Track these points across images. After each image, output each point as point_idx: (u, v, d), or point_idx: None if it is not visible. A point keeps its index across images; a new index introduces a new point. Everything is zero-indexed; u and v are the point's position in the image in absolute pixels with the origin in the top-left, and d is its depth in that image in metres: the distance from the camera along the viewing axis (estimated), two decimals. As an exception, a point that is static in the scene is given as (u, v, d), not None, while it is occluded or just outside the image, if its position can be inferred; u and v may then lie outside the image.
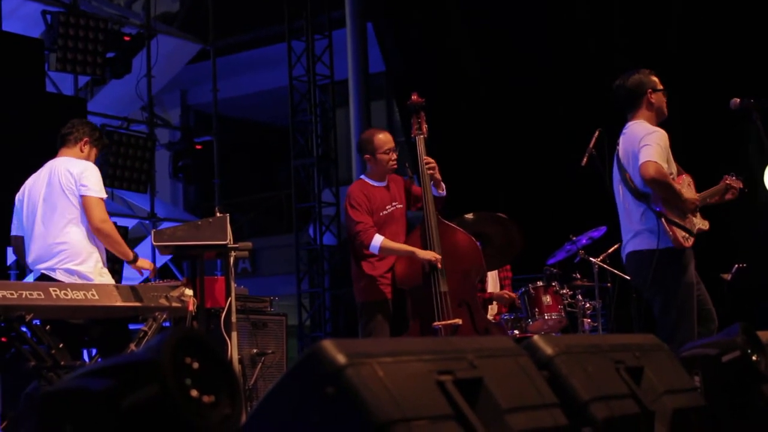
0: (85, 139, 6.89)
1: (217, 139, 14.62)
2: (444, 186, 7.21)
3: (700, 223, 6.50)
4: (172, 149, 14.57)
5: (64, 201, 6.59)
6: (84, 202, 6.58)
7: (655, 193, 6.27)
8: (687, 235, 6.29)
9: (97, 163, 6.90)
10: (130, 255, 6.71)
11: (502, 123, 12.42)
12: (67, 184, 6.59)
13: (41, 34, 11.86)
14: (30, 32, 11.74)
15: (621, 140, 6.54)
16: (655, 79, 6.57)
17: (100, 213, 6.57)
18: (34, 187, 6.79)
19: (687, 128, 10.89)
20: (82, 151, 6.84)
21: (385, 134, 7.18)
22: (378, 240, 6.88)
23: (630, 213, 6.45)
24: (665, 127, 6.45)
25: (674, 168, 6.45)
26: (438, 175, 7.15)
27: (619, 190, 6.54)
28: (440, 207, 7.23)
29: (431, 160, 7.17)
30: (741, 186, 6.78)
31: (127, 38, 12.46)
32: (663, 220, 6.22)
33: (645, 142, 6.25)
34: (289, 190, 16.16)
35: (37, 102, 11.14)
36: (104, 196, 6.68)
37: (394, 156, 7.13)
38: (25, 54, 11.21)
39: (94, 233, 6.60)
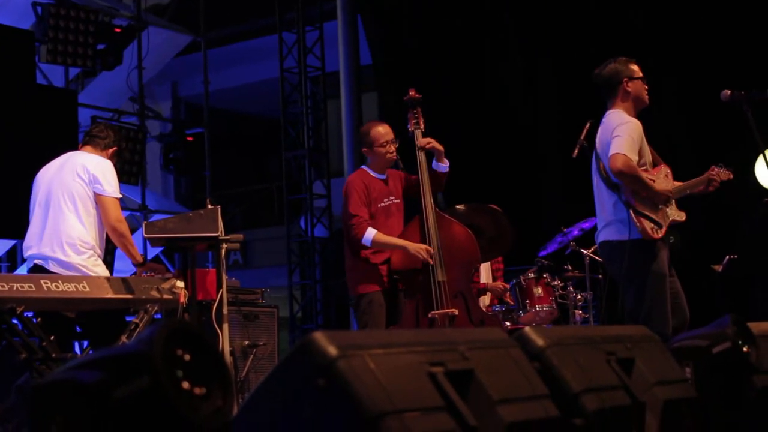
0: (115, 148, 6.94)
1: (208, 131, 14.58)
2: (446, 161, 7.22)
3: (675, 215, 6.54)
4: (163, 141, 14.54)
5: (70, 192, 6.58)
6: (100, 201, 6.58)
7: (623, 184, 6.30)
8: (655, 227, 6.32)
9: None
10: (139, 258, 6.71)
11: (493, 115, 12.42)
12: (81, 176, 6.59)
13: (31, 25, 11.82)
14: (20, 24, 11.69)
15: (599, 130, 6.57)
16: (634, 67, 6.59)
17: (116, 213, 6.59)
18: (45, 175, 6.81)
19: (683, 119, 10.91)
20: (107, 157, 6.86)
21: (383, 126, 7.19)
22: (371, 234, 6.88)
23: (603, 203, 6.50)
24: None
25: (649, 158, 6.50)
26: (439, 146, 7.15)
27: (595, 179, 6.58)
28: (441, 184, 7.23)
29: (427, 138, 7.19)
30: (731, 177, 6.77)
31: (117, 30, 12.42)
32: (631, 211, 6.26)
33: (616, 133, 6.28)
34: (280, 181, 16.14)
35: (28, 94, 11.12)
36: (120, 196, 6.70)
37: (392, 148, 7.13)
38: (16, 46, 11.18)
39: (109, 232, 6.60)
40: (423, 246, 6.92)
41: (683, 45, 11.02)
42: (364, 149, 7.20)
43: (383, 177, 7.19)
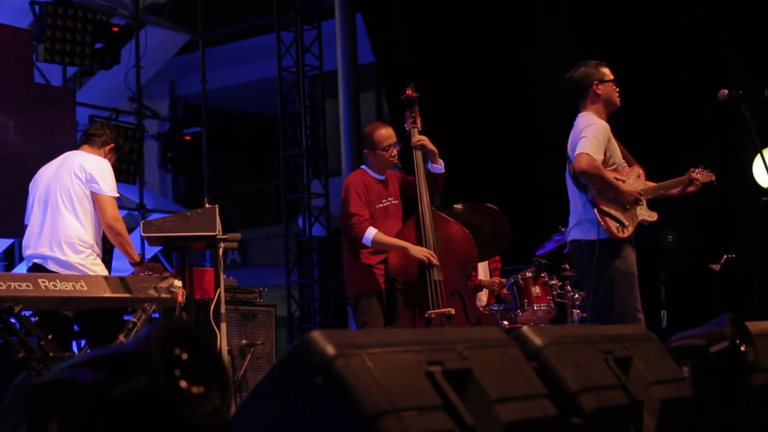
0: (112, 145, 6.95)
1: (206, 130, 14.58)
2: (441, 162, 7.20)
3: (645, 215, 6.54)
4: (161, 140, 14.54)
5: (68, 191, 6.59)
6: (97, 200, 6.59)
7: (589, 183, 6.37)
8: (620, 226, 6.36)
9: None
10: (137, 257, 6.71)
11: (492, 114, 12.41)
12: (78, 176, 6.60)
13: (29, 24, 11.82)
14: (18, 23, 11.69)
15: (570, 132, 6.61)
16: (605, 70, 6.64)
17: (112, 211, 6.60)
18: (44, 175, 6.82)
19: (675, 120, 10.92)
20: (105, 155, 6.87)
21: (386, 129, 7.15)
22: (371, 233, 6.87)
23: (574, 203, 6.57)
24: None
25: (620, 159, 6.56)
26: (431, 146, 7.14)
27: (567, 178, 6.63)
28: (440, 187, 7.22)
29: (421, 136, 7.18)
30: (712, 179, 6.80)
31: (115, 29, 12.42)
32: (596, 210, 6.32)
33: (582, 135, 6.36)
34: (278, 181, 16.15)
35: (26, 93, 11.13)
36: (117, 195, 6.70)
37: (395, 152, 7.11)
38: (14, 45, 11.18)
39: (106, 231, 6.62)
40: (424, 249, 6.91)
41: (682, 45, 11.03)
42: (366, 150, 7.18)
43: (382, 178, 7.18)
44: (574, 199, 6.55)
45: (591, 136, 6.33)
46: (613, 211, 6.36)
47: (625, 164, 6.60)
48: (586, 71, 6.62)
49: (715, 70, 10.38)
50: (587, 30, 11.65)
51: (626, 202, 6.42)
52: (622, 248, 6.37)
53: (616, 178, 6.42)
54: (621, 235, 6.34)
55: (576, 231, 6.52)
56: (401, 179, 7.31)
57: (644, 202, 6.56)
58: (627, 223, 6.39)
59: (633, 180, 6.54)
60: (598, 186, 6.36)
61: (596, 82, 6.56)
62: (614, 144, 6.50)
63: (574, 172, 6.47)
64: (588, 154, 6.26)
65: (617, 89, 6.63)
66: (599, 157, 6.31)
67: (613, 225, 6.33)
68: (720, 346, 4.31)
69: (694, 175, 6.73)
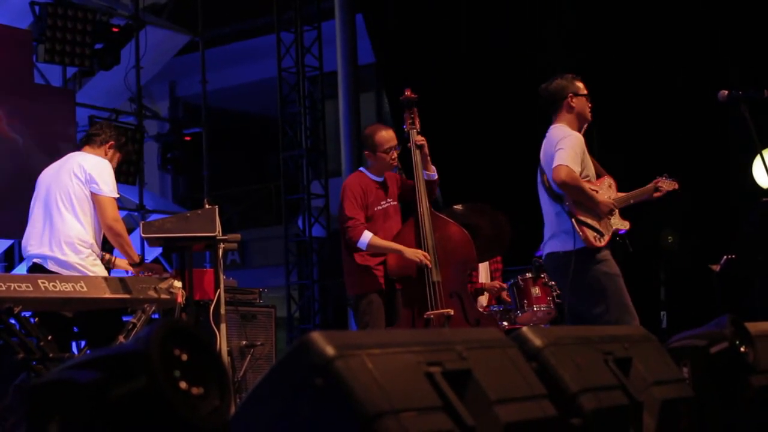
0: (111, 142, 6.96)
1: (206, 131, 14.59)
2: (434, 168, 7.20)
3: (618, 224, 6.63)
4: (161, 141, 14.55)
5: (67, 192, 6.60)
6: (96, 200, 6.60)
7: (566, 195, 6.42)
8: (598, 235, 6.43)
9: None
10: (136, 258, 6.71)
11: (492, 114, 12.41)
12: (78, 176, 6.61)
13: (29, 25, 11.83)
14: (18, 23, 11.70)
15: (543, 143, 6.68)
16: (579, 84, 6.72)
17: (112, 212, 6.60)
18: (46, 176, 6.85)
19: (675, 121, 10.91)
20: (105, 154, 6.88)
21: (387, 132, 7.14)
22: (367, 237, 6.87)
23: (548, 214, 6.64)
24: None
25: (592, 170, 6.63)
26: (426, 150, 7.14)
27: (540, 193, 6.71)
28: (434, 192, 7.22)
29: (422, 137, 7.18)
30: (676, 187, 6.91)
31: (115, 29, 12.43)
32: (573, 220, 6.39)
33: (559, 146, 6.42)
34: (278, 181, 16.15)
35: (26, 93, 11.13)
36: (117, 195, 6.70)
37: (395, 155, 7.11)
38: (14, 45, 11.18)
39: (106, 232, 6.62)
40: (419, 251, 6.91)
41: (681, 45, 11.03)
42: (366, 152, 7.17)
43: (381, 180, 7.17)
44: (548, 210, 6.62)
45: (568, 147, 6.39)
46: (589, 221, 6.43)
47: (595, 175, 6.68)
48: (561, 83, 6.69)
49: (714, 70, 10.38)
50: (588, 30, 11.64)
51: (601, 212, 6.49)
52: (601, 255, 6.44)
53: (590, 189, 6.50)
54: (598, 244, 6.42)
55: (552, 243, 6.57)
56: (400, 181, 7.31)
57: (617, 211, 6.66)
58: (603, 233, 6.47)
59: (605, 190, 6.64)
60: (576, 197, 6.42)
61: (571, 94, 6.63)
62: (587, 156, 6.58)
63: (548, 183, 6.54)
64: (567, 165, 6.32)
65: (590, 104, 6.71)
66: (576, 169, 6.38)
67: (590, 234, 6.40)
68: (720, 347, 4.31)
69: (659, 184, 6.86)
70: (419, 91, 7.41)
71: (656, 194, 6.85)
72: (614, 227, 6.57)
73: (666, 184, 6.86)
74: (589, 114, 6.71)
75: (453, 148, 11.93)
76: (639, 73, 10.83)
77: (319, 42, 15.62)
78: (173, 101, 20.76)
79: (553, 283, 8.65)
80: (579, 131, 6.61)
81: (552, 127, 6.65)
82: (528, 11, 12.23)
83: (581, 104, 6.65)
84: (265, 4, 15.94)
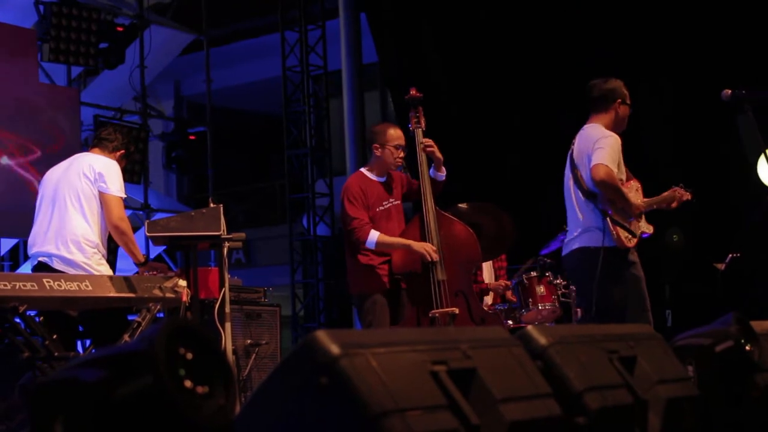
0: (122, 151, 6.98)
1: (211, 130, 14.58)
2: (444, 170, 7.20)
3: (644, 227, 6.75)
4: (166, 140, 14.54)
5: (76, 191, 6.62)
6: (104, 199, 6.62)
7: (602, 194, 6.51)
8: (629, 236, 6.55)
9: None
10: (141, 258, 6.71)
11: (496, 113, 12.41)
12: (87, 175, 6.62)
13: (34, 24, 11.83)
14: (23, 23, 11.70)
15: (577, 139, 6.77)
16: (626, 93, 6.81)
17: (118, 211, 6.62)
18: (52, 175, 6.86)
19: (679, 120, 10.90)
20: (114, 159, 6.89)
21: (397, 130, 7.16)
22: (374, 236, 6.87)
23: (579, 210, 6.69)
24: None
25: (624, 173, 6.70)
26: (439, 154, 7.14)
27: (570, 187, 6.76)
28: (438, 192, 7.21)
29: (430, 140, 7.17)
30: (689, 198, 7.02)
31: (120, 29, 12.43)
32: (608, 219, 6.47)
33: (599, 145, 6.50)
34: (282, 180, 16.15)
35: (31, 92, 11.14)
36: (124, 195, 6.72)
37: (401, 153, 7.10)
38: (18, 44, 11.19)
39: (111, 230, 6.63)
40: (426, 244, 6.91)
41: (683, 44, 11.02)
42: (375, 145, 7.14)
43: (383, 180, 7.15)
44: (579, 206, 6.68)
45: (607, 146, 6.48)
46: (622, 221, 6.53)
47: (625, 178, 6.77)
48: (616, 86, 6.79)
49: (718, 68, 10.37)
50: (589, 30, 11.64)
51: (633, 213, 6.59)
52: (629, 255, 6.54)
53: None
54: (628, 244, 6.53)
55: (583, 238, 6.63)
56: (406, 181, 7.30)
57: (643, 215, 6.77)
58: (635, 233, 6.59)
59: (633, 193, 6.73)
60: (612, 197, 6.50)
61: (620, 100, 6.75)
62: (621, 158, 6.67)
63: (581, 179, 6.60)
64: (606, 164, 6.41)
65: (628, 114, 6.83)
66: (614, 169, 6.48)
67: (623, 234, 6.50)
68: (725, 346, 4.30)
69: (678, 192, 6.99)
70: (423, 90, 7.41)
71: (673, 204, 6.99)
72: (641, 230, 6.69)
73: (683, 195, 7.01)
74: (626, 125, 6.83)
75: (458, 147, 11.93)
76: (642, 72, 10.82)
77: (323, 41, 15.61)
78: (178, 100, 20.77)
79: (558, 281, 8.67)
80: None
81: (588, 125, 6.74)
82: (533, 9, 12.22)
83: (624, 113, 6.77)
84: (269, 3, 15.94)
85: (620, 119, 6.75)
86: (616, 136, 6.61)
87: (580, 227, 6.65)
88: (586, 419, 3.24)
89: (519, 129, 12.33)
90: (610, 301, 6.49)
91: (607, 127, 6.67)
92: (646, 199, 6.84)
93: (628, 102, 6.79)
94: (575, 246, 6.68)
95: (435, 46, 13.02)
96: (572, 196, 6.73)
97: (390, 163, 7.11)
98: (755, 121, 6.36)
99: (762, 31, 10.65)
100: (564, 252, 6.84)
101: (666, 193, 6.98)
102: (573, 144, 6.78)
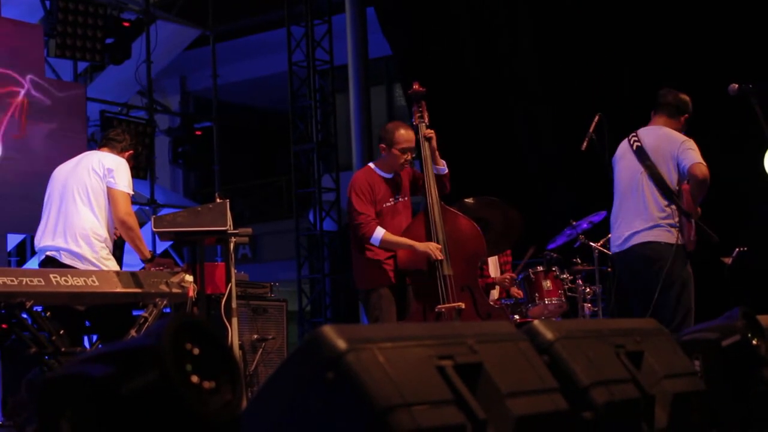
0: (131, 152, 7.00)
1: (217, 125, 14.61)
2: (444, 162, 7.16)
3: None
4: (172, 135, 14.57)
5: (84, 186, 6.63)
6: (111, 194, 6.63)
7: (694, 192, 6.67)
8: (696, 238, 6.77)
9: None
10: (148, 254, 6.70)
11: (503, 107, 12.40)
12: (96, 171, 6.64)
13: (40, 20, 11.85)
14: (29, 18, 11.73)
15: (650, 135, 6.93)
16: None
17: (125, 206, 6.63)
18: (60, 172, 6.87)
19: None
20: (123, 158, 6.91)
21: (408, 132, 7.06)
22: (379, 233, 6.86)
23: (652, 205, 6.78)
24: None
25: None
26: (434, 144, 7.11)
27: (640, 180, 6.83)
28: (446, 187, 7.18)
29: (431, 131, 7.15)
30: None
31: (126, 24, 12.44)
32: (693, 220, 6.69)
33: (689, 146, 6.71)
34: (289, 175, 16.16)
35: (37, 88, 11.16)
36: (132, 192, 6.73)
37: (409, 156, 7.04)
38: (25, 40, 11.21)
39: (118, 226, 6.64)
40: (431, 244, 6.89)
41: (686, 41, 11.00)
42: (382, 145, 7.12)
43: (390, 176, 7.13)
44: (654, 201, 6.78)
45: (696, 149, 6.69)
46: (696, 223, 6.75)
47: None
48: (689, 101, 7.03)
49: (724, 62, 10.35)
50: (591, 28, 11.62)
51: (695, 216, 6.75)
52: (688, 256, 6.75)
53: None
54: (690, 247, 6.76)
55: (655, 233, 6.73)
56: (413, 175, 7.27)
57: None
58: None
59: None
60: (700, 195, 6.69)
61: (687, 115, 7.00)
62: None
63: (659, 174, 6.73)
64: (704, 164, 6.61)
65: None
66: None
67: (693, 235, 6.72)
68: (732, 340, 4.30)
69: None
70: (430, 83, 7.39)
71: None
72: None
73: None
74: None
75: (464, 142, 11.93)
76: (649, 66, 10.80)
77: (329, 36, 15.61)
78: (184, 96, 20.78)
79: (565, 276, 8.66)
80: None
81: (661, 127, 6.94)
82: (546, 6, 12.21)
83: (684, 128, 6.97)
84: (275, -2, 15.96)
85: (682, 132, 6.93)
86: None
87: (651, 221, 6.74)
88: (592, 414, 3.24)
89: (528, 122, 12.31)
90: (664, 294, 6.64)
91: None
92: None
93: (688, 119, 7.02)
94: (645, 239, 6.76)
95: (442, 39, 13.01)
96: (643, 190, 6.81)
97: (395, 165, 7.07)
98: (762, 115, 6.37)
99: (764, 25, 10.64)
100: (623, 245, 6.89)
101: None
102: (633, 139, 6.96)
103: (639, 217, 6.78)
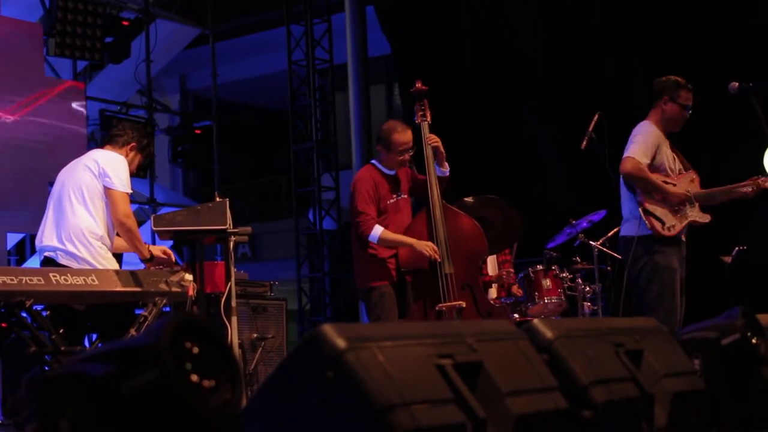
0: (133, 144, 6.92)
1: (217, 124, 14.59)
2: (447, 165, 7.18)
3: (696, 216, 6.88)
4: (171, 134, 14.55)
5: (80, 185, 6.60)
6: (109, 194, 6.57)
7: (634, 185, 6.72)
8: (663, 225, 6.71)
9: None
10: (147, 254, 6.69)
11: (503, 106, 12.40)
12: (90, 169, 6.61)
13: (40, 18, 11.84)
14: (28, 17, 11.72)
15: None
16: (682, 93, 6.89)
17: (124, 207, 6.55)
18: (62, 172, 6.84)
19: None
20: (127, 155, 6.85)
21: (405, 133, 7.06)
22: (377, 231, 6.87)
23: (624, 202, 6.93)
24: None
25: (675, 164, 6.90)
26: (442, 149, 7.13)
27: (621, 181, 6.93)
28: (444, 188, 7.19)
29: (435, 136, 7.15)
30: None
31: (125, 23, 12.42)
32: (641, 209, 6.68)
33: (634, 140, 6.75)
34: (288, 174, 16.15)
35: (36, 87, 11.16)
36: (130, 191, 6.66)
37: (407, 156, 7.07)
38: (24, 39, 11.20)
39: (117, 227, 6.60)
40: (429, 244, 6.90)
41: (687, 40, 10.99)
42: (379, 147, 7.14)
43: (392, 173, 7.15)
44: (624, 198, 6.91)
45: (640, 141, 6.70)
46: (658, 212, 6.71)
47: (680, 170, 6.93)
48: (665, 84, 6.92)
49: (724, 61, 10.35)
50: (591, 28, 11.62)
51: (672, 203, 6.73)
52: (663, 245, 6.71)
53: (664, 182, 6.75)
54: (666, 233, 6.69)
55: (624, 227, 6.90)
56: (411, 175, 7.28)
57: (697, 204, 6.88)
58: (674, 223, 6.72)
59: (685, 184, 6.87)
60: (641, 187, 6.69)
61: (666, 97, 6.86)
62: (665, 151, 6.84)
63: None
64: (633, 157, 6.63)
65: (685, 115, 6.90)
66: (645, 161, 6.66)
67: (657, 224, 6.68)
68: (731, 339, 4.30)
69: (759, 182, 6.97)
70: (431, 82, 7.39)
71: (749, 192, 6.97)
72: (690, 219, 6.83)
73: (764, 180, 6.99)
74: (678, 125, 6.93)
75: (464, 141, 11.92)
76: (649, 66, 10.80)
77: (329, 34, 15.60)
78: (183, 94, 20.77)
79: (564, 275, 8.67)
80: (664, 133, 6.87)
81: (641, 123, 6.90)
82: (538, 7, 12.20)
83: (673, 111, 6.86)
84: (274, -3, 15.95)
85: (667, 117, 6.86)
86: (656, 130, 6.79)
87: (624, 217, 6.90)
88: (592, 413, 3.24)
89: (527, 121, 12.31)
90: (638, 289, 6.74)
91: (656, 124, 6.84)
92: (704, 190, 6.94)
93: (680, 102, 6.85)
94: (621, 235, 6.94)
95: (441, 37, 13.01)
96: (621, 185, 6.90)
97: (396, 164, 7.10)
98: (762, 113, 6.38)
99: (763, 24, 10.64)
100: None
101: (743, 183, 6.98)
102: None
103: (622, 213, 6.98)
